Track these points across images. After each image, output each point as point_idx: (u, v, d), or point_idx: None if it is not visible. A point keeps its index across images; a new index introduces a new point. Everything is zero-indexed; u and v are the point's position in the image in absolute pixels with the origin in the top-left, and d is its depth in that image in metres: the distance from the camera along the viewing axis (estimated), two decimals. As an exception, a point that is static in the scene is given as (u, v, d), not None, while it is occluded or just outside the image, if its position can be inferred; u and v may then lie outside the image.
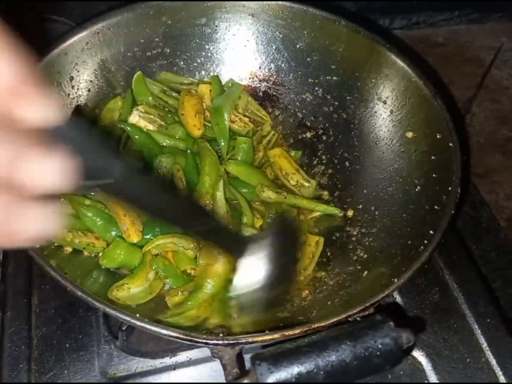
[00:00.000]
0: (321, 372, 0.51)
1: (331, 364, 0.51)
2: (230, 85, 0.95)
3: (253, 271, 0.64)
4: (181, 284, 0.75)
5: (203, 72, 0.95)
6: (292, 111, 0.96)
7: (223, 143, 0.88)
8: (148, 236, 0.77)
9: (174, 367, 0.76)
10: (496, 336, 0.81)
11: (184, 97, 0.91)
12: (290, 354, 0.52)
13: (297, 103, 0.95)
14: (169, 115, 0.91)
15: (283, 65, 0.95)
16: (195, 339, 0.60)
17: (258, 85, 0.97)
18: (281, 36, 0.93)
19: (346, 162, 0.89)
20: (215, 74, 0.96)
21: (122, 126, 0.87)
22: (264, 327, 0.61)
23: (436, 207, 0.72)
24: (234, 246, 0.64)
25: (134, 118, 0.87)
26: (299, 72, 0.94)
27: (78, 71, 0.85)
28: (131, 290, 0.72)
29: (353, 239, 0.82)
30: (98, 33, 0.85)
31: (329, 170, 0.90)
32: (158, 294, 0.75)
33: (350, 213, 0.85)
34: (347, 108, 0.90)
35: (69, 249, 0.75)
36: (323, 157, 0.92)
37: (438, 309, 0.83)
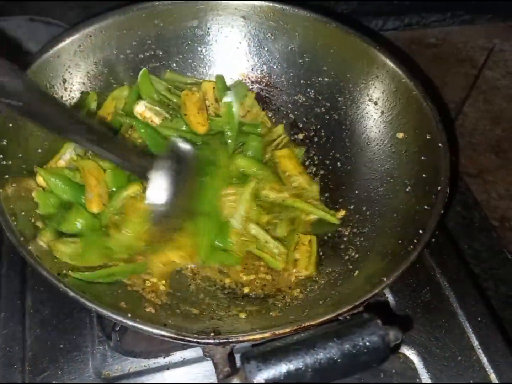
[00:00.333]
0: (309, 370, 0.51)
1: (319, 362, 0.51)
2: (236, 85, 0.95)
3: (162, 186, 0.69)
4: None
5: (195, 74, 0.96)
6: (285, 112, 0.96)
7: (230, 134, 0.89)
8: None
9: (168, 367, 0.77)
10: (487, 335, 0.82)
11: (185, 97, 0.91)
12: (279, 352, 0.53)
13: (289, 104, 0.96)
14: (172, 112, 0.91)
15: (275, 67, 0.95)
16: (186, 338, 0.60)
17: (251, 87, 0.97)
18: (273, 38, 0.93)
19: (338, 163, 0.90)
20: (208, 76, 0.96)
21: (126, 120, 0.87)
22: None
23: (426, 207, 0.73)
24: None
25: (141, 108, 0.88)
26: (291, 74, 0.95)
27: (71, 73, 0.86)
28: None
29: (345, 239, 0.82)
30: (90, 36, 0.85)
31: (321, 171, 0.91)
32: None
33: (341, 213, 0.85)
34: (339, 109, 0.91)
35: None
36: (315, 158, 0.92)
37: (430, 308, 0.84)
